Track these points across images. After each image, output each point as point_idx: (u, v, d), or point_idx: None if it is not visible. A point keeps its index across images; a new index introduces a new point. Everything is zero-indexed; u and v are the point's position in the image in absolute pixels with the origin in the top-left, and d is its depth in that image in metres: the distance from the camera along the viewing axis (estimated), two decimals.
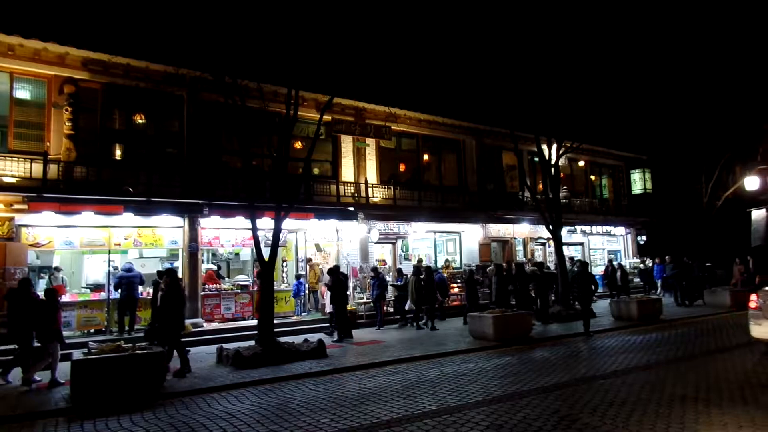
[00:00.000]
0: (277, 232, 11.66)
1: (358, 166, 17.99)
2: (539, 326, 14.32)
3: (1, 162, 12.18)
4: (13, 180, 12.10)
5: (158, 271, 12.66)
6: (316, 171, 17.47)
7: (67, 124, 12.97)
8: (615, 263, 21.31)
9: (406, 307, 15.47)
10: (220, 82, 11.64)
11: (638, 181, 26.50)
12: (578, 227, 23.53)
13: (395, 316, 16.20)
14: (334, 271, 13.60)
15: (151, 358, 8.39)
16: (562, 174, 24.20)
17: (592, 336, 12.88)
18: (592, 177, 26.36)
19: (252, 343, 11.39)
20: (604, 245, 26.13)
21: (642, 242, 26.79)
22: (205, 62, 11.90)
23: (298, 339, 12.08)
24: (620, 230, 26.19)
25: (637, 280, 23.09)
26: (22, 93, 13.24)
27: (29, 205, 11.93)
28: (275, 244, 11.65)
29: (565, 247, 22.81)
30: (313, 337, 11.91)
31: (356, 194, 17.53)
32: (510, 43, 15.87)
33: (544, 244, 22.69)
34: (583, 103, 17.36)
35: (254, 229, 11.54)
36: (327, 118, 17.01)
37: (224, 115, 13.58)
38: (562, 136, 17.46)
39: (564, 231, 21.80)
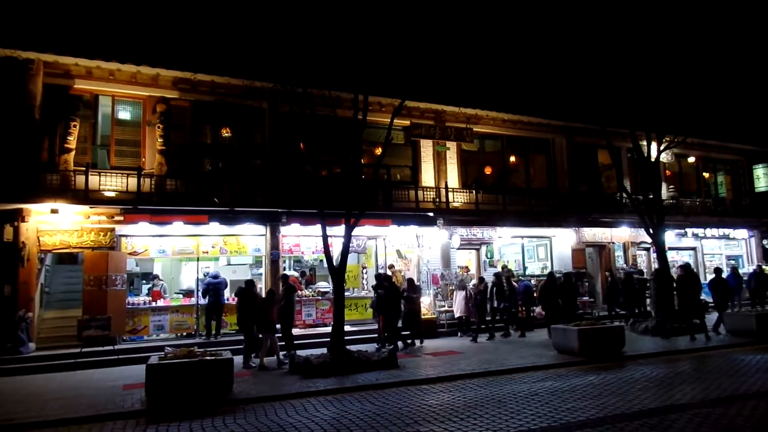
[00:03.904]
0: (347, 238, 11.58)
1: (438, 171, 17.51)
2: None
3: (104, 177, 13.29)
4: (112, 194, 13.16)
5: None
6: (397, 177, 17.27)
7: (159, 140, 13.90)
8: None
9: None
10: (292, 93, 11.83)
11: (763, 177, 23.34)
12: (689, 230, 21.18)
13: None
14: (387, 278, 13.43)
15: (220, 365, 8.60)
16: (668, 172, 22.06)
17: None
18: (706, 174, 23.59)
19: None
20: (722, 250, 23.29)
21: None
22: (276, 73, 12.18)
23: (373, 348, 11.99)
24: (742, 233, 23.19)
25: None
26: (122, 114, 14.42)
27: (125, 217, 12.94)
28: (345, 251, 11.58)
29: (673, 253, 20.73)
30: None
31: (437, 199, 17.08)
32: (599, 27, 14.59)
33: (648, 249, 20.67)
34: (689, 91, 15.53)
35: (324, 237, 11.55)
36: (405, 122, 16.81)
37: (302, 124, 13.80)
38: (662, 129, 15.75)
39: (672, 235, 19.82)
